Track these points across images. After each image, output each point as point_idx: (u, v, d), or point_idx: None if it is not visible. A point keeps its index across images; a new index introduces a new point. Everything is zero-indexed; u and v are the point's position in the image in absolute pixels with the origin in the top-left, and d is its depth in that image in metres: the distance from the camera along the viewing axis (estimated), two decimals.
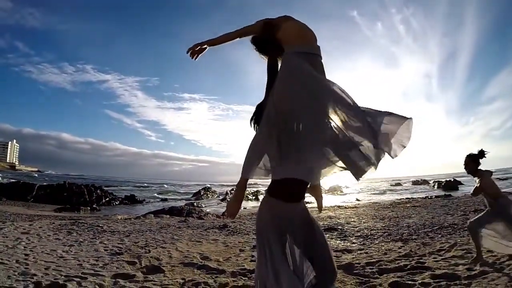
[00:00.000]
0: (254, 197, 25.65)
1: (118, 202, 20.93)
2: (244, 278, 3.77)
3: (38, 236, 6.24)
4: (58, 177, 54.63)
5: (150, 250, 5.30)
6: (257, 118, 1.91)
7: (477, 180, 4.02)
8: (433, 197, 17.59)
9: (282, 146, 1.75)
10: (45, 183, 23.74)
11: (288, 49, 1.88)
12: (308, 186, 1.99)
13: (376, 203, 16.17)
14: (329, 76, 1.91)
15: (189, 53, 2.17)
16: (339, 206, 14.03)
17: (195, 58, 2.18)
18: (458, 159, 4.16)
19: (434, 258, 4.29)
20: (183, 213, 12.32)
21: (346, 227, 7.58)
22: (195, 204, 18.90)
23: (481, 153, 4.03)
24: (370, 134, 1.67)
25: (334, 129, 1.76)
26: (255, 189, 29.29)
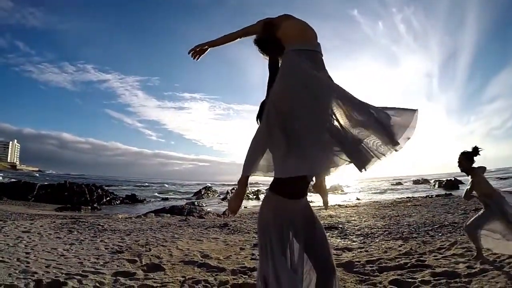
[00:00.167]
0: (254, 197, 25.61)
1: (119, 201, 20.92)
2: (244, 276, 3.77)
3: (39, 235, 6.25)
4: (59, 177, 54.71)
5: (151, 248, 5.31)
6: (261, 115, 1.92)
7: (470, 179, 4.00)
8: (434, 196, 17.58)
9: (283, 144, 1.76)
10: (46, 183, 23.73)
11: (288, 47, 1.89)
12: (313, 183, 2.00)
13: (377, 202, 16.17)
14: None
15: (190, 54, 2.18)
16: (339, 205, 14.03)
17: (197, 59, 2.20)
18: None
19: (434, 256, 4.29)
20: (183, 212, 12.32)
21: (346, 226, 7.59)
22: (195, 203, 18.93)
23: (475, 151, 3.98)
24: (375, 128, 1.68)
25: (337, 125, 1.76)
26: (255, 189, 29.30)
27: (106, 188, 24.34)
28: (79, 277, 3.60)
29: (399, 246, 5.05)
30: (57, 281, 3.40)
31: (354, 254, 4.70)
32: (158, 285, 3.44)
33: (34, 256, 4.57)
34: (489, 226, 3.76)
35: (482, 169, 4.03)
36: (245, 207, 16.76)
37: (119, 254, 4.86)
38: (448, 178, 30.78)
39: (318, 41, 1.99)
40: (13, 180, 26.03)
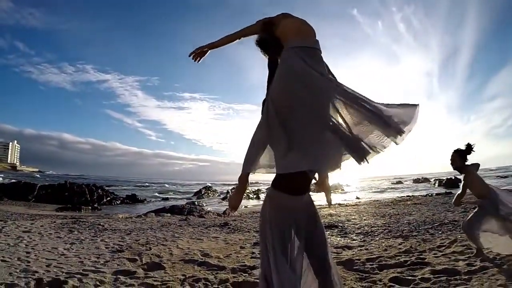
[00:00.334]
0: (255, 196, 25.62)
1: (119, 201, 20.92)
2: (244, 274, 3.78)
3: (40, 235, 6.26)
4: (59, 177, 54.73)
5: (151, 247, 5.31)
6: None
7: (462, 177, 3.96)
8: (434, 194, 17.58)
9: (283, 140, 1.77)
10: (46, 183, 23.73)
11: (287, 45, 1.90)
12: (316, 181, 2.01)
13: (377, 200, 16.18)
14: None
15: (191, 57, 2.19)
16: (340, 204, 14.04)
17: (198, 61, 2.21)
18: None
19: (434, 254, 4.29)
20: (184, 211, 12.33)
21: (346, 224, 7.59)
22: (196, 203, 18.93)
23: (469, 148, 3.93)
24: (376, 122, 1.70)
25: (339, 122, 1.78)
26: (256, 188, 29.31)
27: (107, 188, 24.35)
28: (79, 276, 3.61)
29: (399, 244, 5.05)
30: (57, 280, 3.41)
31: (354, 252, 4.70)
32: (159, 283, 3.44)
33: (35, 255, 4.58)
34: (486, 226, 3.73)
35: (476, 166, 3.98)
36: (245, 207, 16.79)
37: (119, 253, 4.87)
38: (449, 177, 30.76)
39: (318, 40, 2.00)
40: (13, 180, 26.02)
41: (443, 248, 4.55)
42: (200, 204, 17.76)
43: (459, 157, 3.97)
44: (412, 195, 18.91)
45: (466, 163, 3.96)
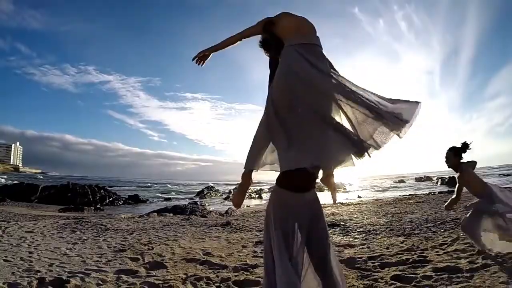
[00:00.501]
0: (257, 196, 25.65)
1: (121, 202, 20.98)
2: (246, 273, 3.78)
3: (42, 235, 6.28)
4: (61, 178, 54.87)
5: (153, 247, 5.32)
6: None
7: (457, 177, 3.91)
8: (436, 193, 17.54)
9: (283, 138, 1.78)
10: (49, 184, 23.80)
11: (287, 43, 1.91)
12: (321, 178, 2.01)
13: (379, 199, 16.15)
14: None
15: (194, 61, 2.21)
16: (342, 203, 14.01)
17: (201, 65, 2.23)
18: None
19: (436, 252, 4.28)
20: (186, 211, 12.34)
21: (348, 223, 7.58)
22: (198, 202, 18.95)
23: (464, 146, 3.88)
24: (377, 119, 1.72)
25: (339, 119, 1.79)
26: (258, 188, 29.35)
27: (109, 189, 24.39)
28: (81, 275, 3.63)
29: (401, 242, 5.05)
30: (60, 279, 3.43)
31: (356, 251, 4.70)
32: (160, 282, 3.45)
33: (37, 255, 4.61)
34: (485, 225, 3.69)
35: (472, 164, 3.95)
36: (247, 206, 16.79)
37: (121, 253, 4.89)
38: (451, 175, 30.66)
39: (318, 37, 2.01)
40: (16, 182, 26.12)
41: (445, 246, 4.54)
42: (202, 204, 17.78)
43: (454, 155, 3.93)
44: (415, 194, 18.88)
45: (462, 161, 3.92)
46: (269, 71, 2.07)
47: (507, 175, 37.24)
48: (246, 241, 5.99)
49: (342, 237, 5.97)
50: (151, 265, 4.20)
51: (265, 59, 2.15)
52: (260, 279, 3.48)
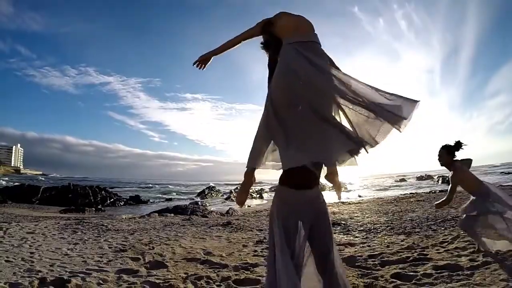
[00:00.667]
0: (258, 196, 25.68)
1: (122, 202, 20.99)
2: (246, 272, 3.79)
3: (43, 235, 6.29)
4: (62, 180, 54.90)
5: (154, 247, 5.33)
6: None
7: (450, 175, 3.89)
8: (437, 191, 17.51)
9: (282, 137, 1.80)
10: (50, 186, 23.82)
11: (285, 42, 1.93)
12: (325, 175, 2.02)
13: (380, 198, 16.15)
14: None
15: (195, 65, 2.23)
16: (343, 202, 14.01)
17: (202, 69, 2.25)
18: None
19: (437, 250, 4.28)
20: (187, 211, 12.35)
21: (349, 222, 7.59)
22: (199, 203, 18.97)
23: (458, 145, 3.86)
24: (375, 116, 1.75)
25: (336, 116, 1.80)
26: (259, 187, 29.36)
27: (110, 189, 24.38)
28: (82, 275, 3.64)
29: (402, 241, 5.05)
30: (61, 279, 3.43)
31: (356, 249, 4.71)
32: (161, 281, 3.46)
33: (39, 255, 4.62)
34: (482, 224, 3.66)
35: (467, 162, 3.93)
36: (248, 206, 16.80)
37: (122, 253, 4.90)
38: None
39: (317, 34, 2.03)
40: (17, 183, 26.14)
41: (446, 244, 4.54)
42: (203, 204, 17.79)
43: (447, 153, 3.90)
44: (416, 192, 18.87)
45: (455, 159, 3.90)
46: (268, 71, 2.08)
47: (509, 173, 37.19)
48: (246, 240, 6.00)
49: (342, 236, 5.98)
50: (152, 265, 4.21)
51: (265, 58, 2.16)
52: (260, 277, 3.49)
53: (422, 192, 18.25)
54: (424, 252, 4.16)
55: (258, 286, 3.28)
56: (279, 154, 1.87)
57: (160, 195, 31.01)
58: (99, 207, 17.27)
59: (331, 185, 2.17)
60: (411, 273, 3.38)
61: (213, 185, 36.10)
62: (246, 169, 1.92)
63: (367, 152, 1.77)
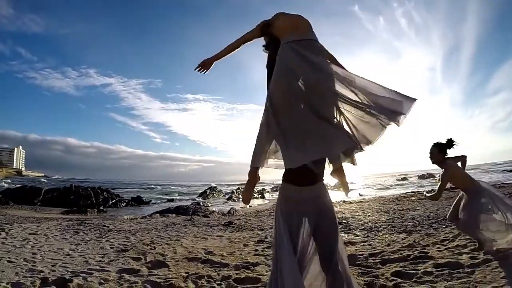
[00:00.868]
0: (260, 196, 25.72)
1: (124, 203, 21.06)
2: (247, 271, 3.80)
3: (45, 236, 6.32)
4: (64, 181, 55.00)
5: (155, 246, 5.35)
6: None
7: (441, 173, 3.87)
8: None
9: (281, 136, 1.82)
10: (52, 187, 23.89)
11: (283, 41, 1.95)
12: (331, 171, 2.04)
13: (382, 197, 16.13)
14: None
15: (197, 70, 2.26)
16: (344, 201, 14.01)
17: (205, 72, 2.27)
18: (463, 153, 3.96)
19: (437, 248, 4.28)
20: (188, 212, 12.39)
21: (350, 221, 7.60)
22: (201, 203, 19.00)
23: (450, 143, 3.86)
24: (373, 114, 1.77)
25: (335, 114, 1.82)
26: (261, 187, 29.39)
27: (112, 191, 24.46)
28: (84, 275, 3.65)
29: (403, 239, 5.05)
30: (62, 279, 3.45)
31: (357, 248, 4.71)
32: (162, 281, 3.47)
33: (41, 256, 4.64)
34: (481, 222, 3.62)
35: (461, 159, 3.91)
36: (250, 206, 16.80)
37: (124, 253, 4.92)
38: None
39: (314, 32, 2.04)
40: (19, 185, 26.21)
41: (447, 242, 4.54)
42: (205, 205, 17.82)
43: (439, 151, 3.90)
44: (417, 191, 18.83)
45: (447, 157, 3.89)
46: (267, 71, 2.10)
47: (511, 171, 37.05)
48: (248, 240, 6.01)
49: (343, 234, 5.97)
50: (153, 264, 4.23)
51: (266, 58, 2.18)
52: (260, 276, 3.51)
53: (423, 191, 18.18)
54: (425, 250, 4.16)
55: (258, 285, 3.29)
56: (281, 154, 1.89)
57: (162, 196, 31.05)
58: (101, 208, 17.33)
59: (333, 184, 2.19)
60: (412, 271, 3.38)
61: (214, 185, 36.15)
62: (249, 168, 1.94)
63: (363, 151, 1.80)
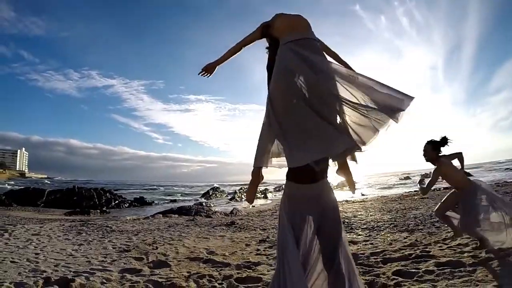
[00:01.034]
0: (262, 196, 25.76)
1: (127, 204, 21.13)
2: (248, 270, 3.81)
3: (48, 237, 6.36)
4: (67, 183, 55.18)
5: (158, 246, 5.37)
6: None
7: (433, 170, 3.86)
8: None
9: (282, 136, 1.83)
10: (55, 189, 23.98)
11: (281, 42, 1.96)
12: (336, 169, 2.05)
13: (384, 196, 16.12)
14: None
15: (201, 74, 2.28)
16: (347, 201, 14.00)
17: (209, 76, 2.31)
18: (465, 151, 3.94)
19: (439, 246, 4.27)
20: (191, 212, 12.41)
21: (352, 220, 7.60)
22: (203, 203, 19.02)
23: (443, 141, 3.84)
24: (370, 114, 1.78)
25: (333, 114, 1.83)
26: (263, 188, 29.40)
27: (115, 192, 24.53)
28: (86, 275, 3.68)
29: (404, 238, 5.05)
30: (65, 278, 3.47)
31: (358, 247, 4.71)
32: (164, 280, 3.48)
33: (43, 256, 4.67)
34: (480, 221, 3.58)
35: (457, 156, 3.90)
36: (253, 206, 16.81)
37: (126, 253, 4.94)
38: None
39: (313, 31, 2.06)
40: (22, 187, 26.30)
41: (449, 240, 4.52)
42: (208, 205, 17.85)
43: (432, 148, 3.89)
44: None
45: (440, 155, 3.88)
46: (267, 72, 2.11)
47: None
48: (250, 239, 6.02)
49: (345, 234, 5.97)
50: (155, 264, 4.25)
51: (266, 60, 2.19)
52: (262, 276, 3.51)
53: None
54: (427, 249, 4.15)
55: (259, 284, 3.30)
56: (284, 153, 1.91)
57: (165, 197, 31.13)
58: (103, 209, 17.37)
59: (336, 184, 2.20)
60: (413, 270, 3.37)
61: (217, 185, 36.19)
62: (252, 168, 1.96)
63: (362, 151, 1.82)
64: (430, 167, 4.12)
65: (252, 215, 11.08)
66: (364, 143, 1.80)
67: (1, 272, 3.77)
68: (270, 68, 2.05)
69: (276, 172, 2.03)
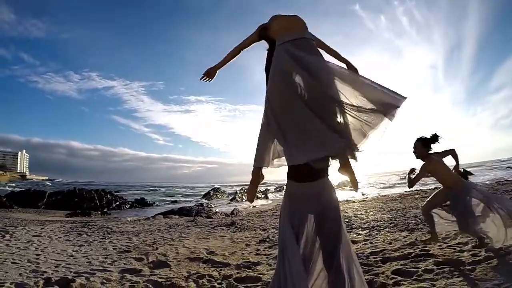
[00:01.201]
0: (263, 196, 25.76)
1: (128, 205, 21.17)
2: (248, 270, 3.82)
3: (49, 238, 6.37)
4: (68, 185, 55.21)
5: (158, 247, 5.38)
6: None
7: (421, 166, 3.86)
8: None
9: (280, 136, 1.85)
10: (56, 190, 24.00)
11: (277, 43, 1.98)
12: (338, 168, 2.06)
13: (385, 196, 16.10)
14: None
15: (202, 79, 2.31)
16: (347, 200, 14.00)
17: (210, 81, 2.34)
18: (466, 150, 3.95)
19: (439, 245, 4.26)
20: (192, 213, 12.42)
21: (353, 220, 7.60)
22: (204, 204, 19.03)
23: (434, 138, 3.85)
24: (366, 110, 1.81)
25: (331, 114, 1.84)
26: (264, 188, 29.41)
27: (116, 193, 24.58)
28: (87, 275, 3.69)
29: (404, 237, 5.05)
30: (65, 279, 3.49)
31: (358, 247, 4.71)
32: (164, 280, 3.49)
33: (44, 257, 4.69)
34: (476, 220, 3.61)
35: (452, 153, 3.92)
36: (253, 206, 16.82)
37: (126, 254, 4.95)
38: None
39: (318, 36, 2.11)
40: (23, 189, 26.33)
41: (448, 239, 4.52)
42: (209, 206, 17.84)
43: (422, 145, 3.90)
44: (420, 189, 18.76)
45: (430, 152, 3.90)
46: (265, 74, 2.13)
47: None
48: (250, 239, 6.03)
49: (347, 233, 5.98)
50: (155, 264, 4.26)
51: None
52: (261, 275, 3.52)
53: (427, 189, 18.12)
54: (426, 248, 4.14)
55: (259, 284, 3.30)
56: (283, 153, 1.94)
57: (165, 198, 31.12)
58: (104, 210, 17.40)
59: (337, 183, 2.20)
60: (412, 269, 3.38)
61: (218, 186, 36.19)
62: (253, 168, 1.97)
63: (359, 151, 1.84)
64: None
65: (252, 216, 11.09)
66: (355, 145, 1.82)
67: (2, 273, 3.78)
68: (268, 69, 2.07)
69: (277, 172, 2.07)
